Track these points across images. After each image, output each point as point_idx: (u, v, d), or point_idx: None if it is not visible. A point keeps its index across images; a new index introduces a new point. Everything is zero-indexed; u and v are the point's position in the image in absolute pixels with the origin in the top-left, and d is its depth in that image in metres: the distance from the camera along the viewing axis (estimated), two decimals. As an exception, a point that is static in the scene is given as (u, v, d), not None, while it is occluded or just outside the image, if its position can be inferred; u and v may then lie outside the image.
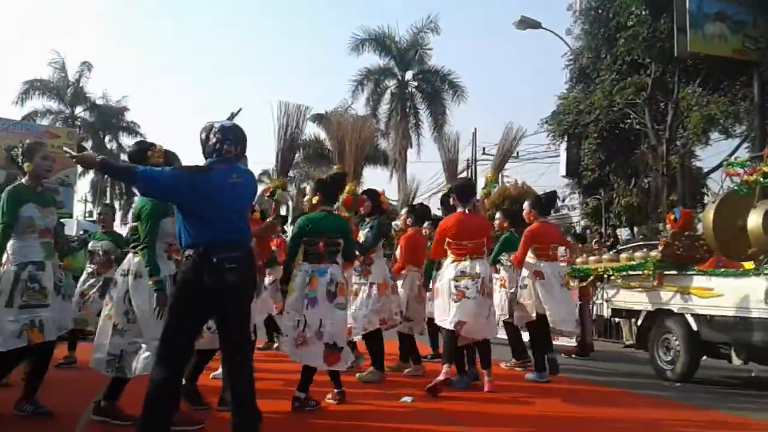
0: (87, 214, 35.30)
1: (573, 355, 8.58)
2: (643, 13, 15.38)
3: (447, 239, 5.76)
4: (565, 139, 18.94)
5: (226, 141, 3.57)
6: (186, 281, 3.46)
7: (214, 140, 3.57)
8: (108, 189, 36.02)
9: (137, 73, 65.48)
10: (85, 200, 36.72)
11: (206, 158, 3.62)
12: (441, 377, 5.52)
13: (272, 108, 5.26)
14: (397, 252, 7.04)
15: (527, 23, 17.21)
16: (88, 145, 30.97)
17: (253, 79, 71.97)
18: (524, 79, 67.52)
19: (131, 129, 34.89)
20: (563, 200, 30.89)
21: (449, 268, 5.74)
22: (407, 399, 5.25)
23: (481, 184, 8.18)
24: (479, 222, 5.94)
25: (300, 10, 69.33)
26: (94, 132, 33.49)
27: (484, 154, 28.38)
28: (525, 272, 6.78)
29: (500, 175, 6.23)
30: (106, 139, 34.45)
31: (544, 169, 43.96)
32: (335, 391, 5.05)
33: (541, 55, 67.79)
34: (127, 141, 34.51)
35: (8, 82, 73.51)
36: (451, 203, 6.01)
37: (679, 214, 7.38)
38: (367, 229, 6.17)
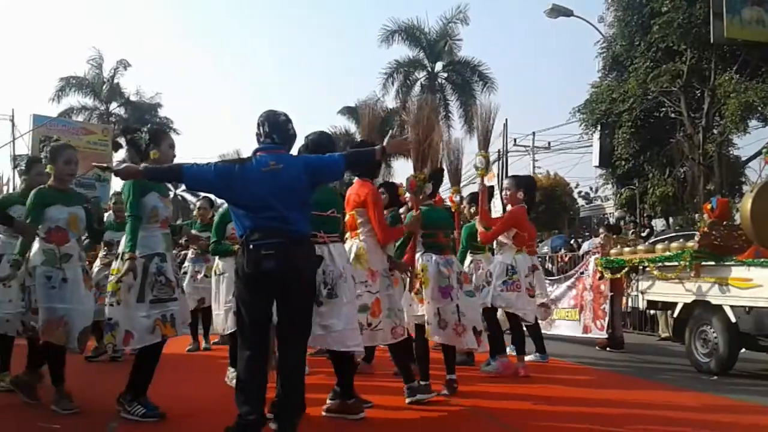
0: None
1: (607, 348, 8.47)
2: (678, -2, 15.07)
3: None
4: (598, 128, 18.66)
5: (266, 129, 3.70)
6: (237, 271, 3.62)
7: (258, 130, 3.73)
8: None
9: (172, 70, 66.25)
10: (119, 194, 37.32)
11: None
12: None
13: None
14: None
15: (559, 11, 17.01)
16: (122, 141, 31.45)
17: (284, 75, 72.33)
18: (556, 68, 66.82)
19: (164, 125, 35.36)
20: (596, 191, 30.70)
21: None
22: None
23: (512, 173, 8.01)
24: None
25: (330, 3, 69.39)
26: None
27: (515, 145, 28.22)
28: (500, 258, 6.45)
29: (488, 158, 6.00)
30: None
31: (576, 160, 43.39)
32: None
33: (572, 44, 66.90)
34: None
35: (45, 80, 74.93)
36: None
37: (716, 203, 7.22)
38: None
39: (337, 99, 75.29)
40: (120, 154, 32.27)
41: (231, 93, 72.16)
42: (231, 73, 72.08)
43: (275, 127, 3.69)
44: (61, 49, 66.76)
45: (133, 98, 34.63)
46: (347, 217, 4.67)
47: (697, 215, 16.07)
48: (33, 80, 64.78)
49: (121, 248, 4.19)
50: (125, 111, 34.53)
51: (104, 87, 33.32)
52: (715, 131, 16.39)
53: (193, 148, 63.25)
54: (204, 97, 69.12)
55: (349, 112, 31.29)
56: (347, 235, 4.71)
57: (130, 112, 34.45)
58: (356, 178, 4.81)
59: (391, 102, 29.92)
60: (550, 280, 10.15)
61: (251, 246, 3.44)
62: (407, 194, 5.39)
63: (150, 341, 4.06)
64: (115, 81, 33.78)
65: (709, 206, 7.25)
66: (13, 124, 24.80)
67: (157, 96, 35.35)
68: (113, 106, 34.23)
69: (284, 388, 3.59)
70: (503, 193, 7.00)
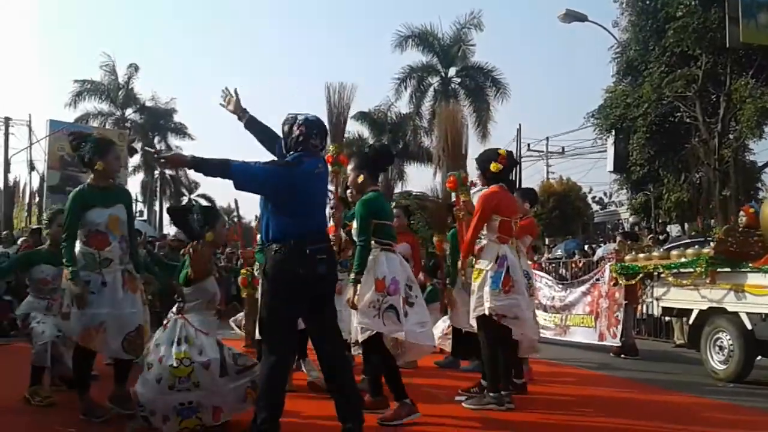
0: (138, 214, 36.25)
1: (621, 356, 8.42)
2: (693, 3, 14.99)
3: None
4: (613, 133, 18.58)
5: (311, 134, 3.63)
6: (281, 274, 3.54)
7: (297, 132, 3.62)
8: (158, 189, 36.91)
9: (185, 75, 66.74)
10: (136, 200, 37.64)
11: (288, 150, 3.67)
12: None
13: (326, 90, 5.41)
14: None
15: (573, 16, 16.95)
16: (138, 146, 31.74)
17: (298, 80, 72.58)
18: (569, 73, 66.63)
19: (179, 130, 35.65)
20: (610, 196, 30.52)
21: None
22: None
23: (525, 179, 7.79)
24: None
25: (344, 9, 69.63)
26: (144, 133, 34.29)
27: (529, 150, 28.15)
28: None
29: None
30: (156, 139, 35.24)
31: (590, 165, 43.28)
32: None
33: (586, 49, 66.68)
34: (175, 142, 35.37)
35: (62, 85, 75.72)
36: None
37: (755, 208, 7.18)
38: None
39: (352, 104, 75.20)
40: (135, 159, 32.68)
41: (244, 98, 72.41)
42: (244, 78, 72.49)
43: (322, 132, 3.71)
44: (78, 55, 67.45)
45: (148, 104, 34.90)
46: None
47: (713, 221, 15.96)
48: (50, 86, 65.52)
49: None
50: (141, 116, 34.78)
51: (120, 93, 33.59)
52: (730, 136, 16.27)
53: (206, 154, 63.54)
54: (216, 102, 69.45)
55: (363, 117, 31.36)
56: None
57: (146, 118, 34.72)
58: None
59: (404, 107, 30.01)
60: (562, 284, 10.13)
61: (307, 251, 3.49)
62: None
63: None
64: (131, 86, 34.06)
65: (751, 210, 7.20)
66: (30, 130, 25.12)
67: (171, 101, 35.64)
68: (129, 112, 34.49)
69: (344, 387, 3.61)
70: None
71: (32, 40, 64.04)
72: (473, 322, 4.99)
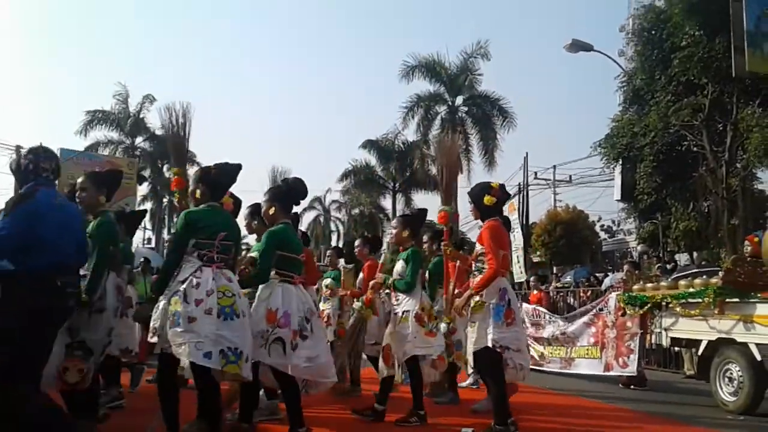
0: (146, 242, 36.35)
1: (632, 387, 8.31)
2: (698, 33, 15.08)
3: None
4: (620, 162, 18.61)
5: (39, 159, 3.80)
6: (29, 306, 3.56)
7: (26, 162, 3.79)
8: (166, 217, 37.08)
9: (194, 103, 67.35)
10: (144, 228, 37.82)
11: (23, 184, 3.78)
12: None
13: (160, 112, 5.32)
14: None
15: (579, 46, 17.08)
16: (146, 173, 31.97)
17: (305, 110, 73.18)
18: (576, 102, 66.89)
19: (189, 159, 35.87)
20: (618, 225, 30.44)
21: None
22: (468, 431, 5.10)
23: (532, 207, 7.83)
24: None
25: (351, 40, 70.44)
26: (153, 161, 34.54)
27: (536, 178, 28.20)
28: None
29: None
30: (164, 168, 35.48)
31: (598, 193, 43.19)
32: None
33: (592, 78, 67.05)
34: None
35: (73, 114, 76.59)
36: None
37: (759, 236, 7.15)
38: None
39: (359, 133, 75.85)
40: (144, 187, 32.88)
41: (251, 127, 73.10)
42: (253, 108, 73.13)
43: (50, 156, 3.91)
44: (88, 84, 68.32)
45: (158, 132, 35.19)
46: None
47: (722, 250, 15.85)
48: (61, 115, 66.30)
49: None
50: (150, 145, 35.07)
51: (129, 121, 33.93)
52: (738, 165, 16.23)
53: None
54: (225, 131, 70.08)
55: (371, 145, 31.53)
56: None
57: (155, 146, 34.98)
58: None
59: (411, 135, 30.17)
60: (565, 317, 10.05)
61: (58, 283, 3.65)
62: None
63: None
64: (141, 115, 34.43)
65: (756, 239, 7.17)
66: (41, 158, 25.23)
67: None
68: (138, 140, 34.80)
69: None
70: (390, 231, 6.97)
71: (44, 68, 65.01)
72: (471, 354, 4.94)
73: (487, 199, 4.97)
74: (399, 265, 5.59)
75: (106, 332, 4.46)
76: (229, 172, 4.45)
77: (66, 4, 67.72)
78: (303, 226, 37.59)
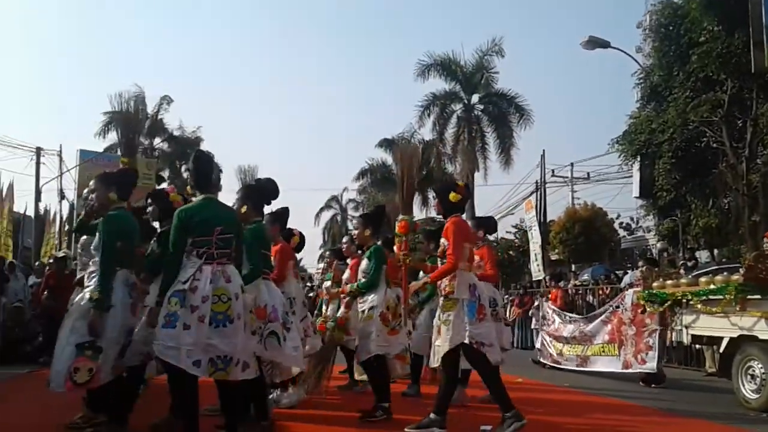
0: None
1: (652, 385, 8.28)
2: (716, 28, 14.92)
3: None
4: (638, 159, 18.46)
5: None
6: None
7: None
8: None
9: (209, 104, 67.82)
10: (163, 227, 38.07)
11: None
12: None
13: (110, 100, 5.47)
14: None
15: (595, 43, 16.96)
16: (165, 174, 32.24)
17: (323, 108, 73.38)
18: (593, 99, 66.49)
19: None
20: (637, 222, 30.20)
21: None
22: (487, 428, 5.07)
23: (549, 205, 7.83)
24: None
25: (366, 38, 70.51)
26: (171, 162, 34.82)
27: (553, 176, 28.04)
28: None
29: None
30: (182, 168, 35.79)
31: (616, 190, 42.86)
32: None
33: (609, 74, 66.60)
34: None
35: (92, 116, 77.48)
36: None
37: None
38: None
39: (376, 132, 76.00)
40: (163, 187, 33.26)
41: (269, 127, 73.41)
42: (266, 107, 73.39)
43: None
44: (107, 85, 69.01)
45: (176, 133, 35.49)
46: None
47: (742, 247, 15.69)
48: (80, 116, 67.00)
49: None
50: (168, 146, 35.36)
51: (147, 122, 34.18)
52: (758, 161, 16.05)
53: (232, 182, 64.21)
54: (242, 130, 70.44)
55: (387, 144, 31.55)
56: None
57: (174, 147, 35.27)
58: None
59: (427, 134, 30.14)
60: (585, 317, 10.03)
61: None
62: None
63: None
64: (159, 117, 34.69)
65: None
66: (61, 159, 25.61)
67: (198, 130, 36.15)
68: (157, 141, 35.09)
69: None
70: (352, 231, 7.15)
71: (63, 71, 65.77)
72: (439, 350, 4.93)
73: (453, 196, 5.08)
74: (363, 263, 5.77)
75: (119, 330, 4.33)
76: (197, 159, 4.50)
77: (81, 5, 68.44)
78: (320, 225, 37.62)
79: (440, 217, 5.71)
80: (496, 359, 4.99)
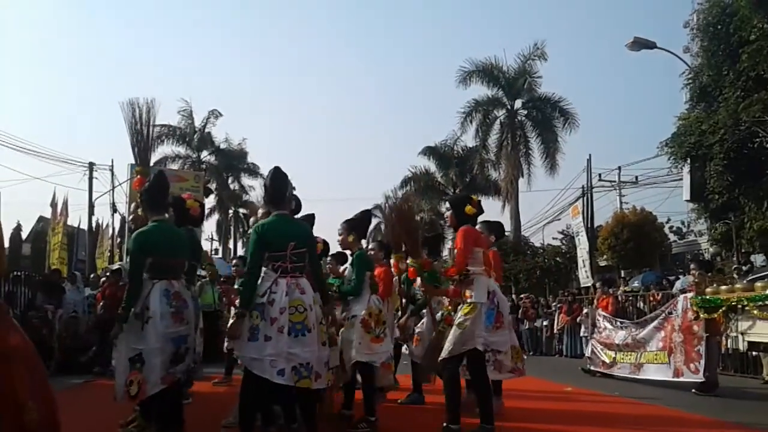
0: (213, 252, 37.35)
1: (705, 393, 8.04)
2: (767, 26, 14.53)
3: None
4: (688, 161, 18.03)
5: None
6: None
7: None
8: (232, 228, 37.99)
9: (255, 119, 68.93)
10: (212, 239, 38.93)
11: None
12: None
13: (122, 108, 5.41)
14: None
15: (641, 44, 16.66)
16: (212, 185, 32.89)
17: (363, 119, 73.81)
18: (640, 101, 65.21)
19: (252, 170, 36.75)
20: (688, 226, 29.44)
21: None
22: None
23: (597, 210, 7.74)
24: None
25: (407, 46, 70.71)
26: (218, 174, 35.53)
27: (600, 180, 27.59)
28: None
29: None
30: (229, 180, 36.47)
31: (666, 194, 41.96)
32: None
33: (655, 76, 65.27)
34: (248, 182, 36.56)
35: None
36: None
37: None
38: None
39: (418, 140, 76.08)
40: (210, 200, 33.79)
41: (311, 137, 74.19)
42: (307, 117, 74.10)
43: None
44: (158, 100, 70.66)
45: (222, 146, 36.20)
46: None
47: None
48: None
49: None
50: (215, 158, 36.09)
51: (195, 136, 35.03)
52: (815, 161, 15.52)
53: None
54: (285, 140, 71.26)
55: (430, 152, 31.56)
56: None
57: (220, 159, 35.98)
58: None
59: (470, 141, 30.05)
60: (636, 322, 9.82)
61: None
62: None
63: None
64: (206, 130, 35.50)
65: None
66: (113, 174, 26.31)
67: (243, 142, 36.81)
68: (204, 154, 35.86)
69: None
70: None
71: (112, 88, 67.75)
72: (444, 350, 4.92)
73: (468, 209, 5.12)
74: (348, 270, 5.77)
75: (161, 339, 4.34)
76: (274, 178, 4.52)
77: (130, 26, 70.49)
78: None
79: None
80: (508, 367, 4.99)
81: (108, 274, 11.69)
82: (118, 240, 24.74)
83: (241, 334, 4.18)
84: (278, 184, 4.49)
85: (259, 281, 4.24)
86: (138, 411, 4.94)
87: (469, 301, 4.83)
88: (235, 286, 7.96)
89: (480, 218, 5.43)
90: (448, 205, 5.23)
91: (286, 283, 4.20)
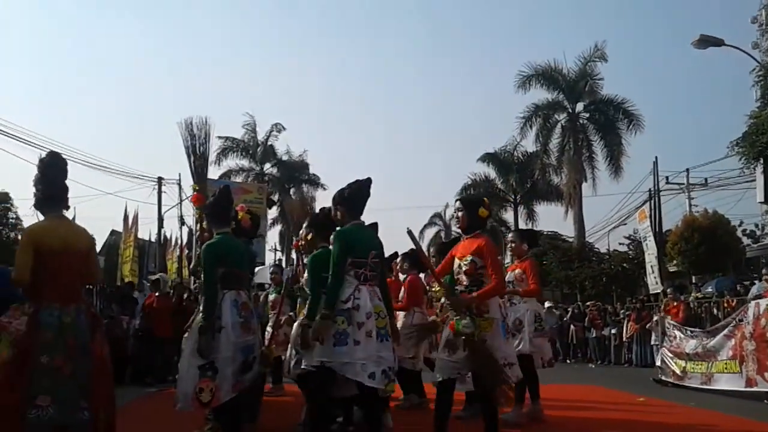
0: (277, 262, 38.04)
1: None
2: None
3: None
4: (761, 161, 17.33)
5: None
6: None
7: None
8: (294, 239, 38.58)
9: (314, 129, 69.83)
10: (275, 249, 39.61)
11: None
12: None
13: (180, 127, 5.47)
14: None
15: (708, 41, 16.14)
16: (275, 197, 33.51)
17: (421, 126, 73.80)
18: (707, 100, 62.90)
19: (313, 181, 37.27)
20: (763, 229, 28.17)
21: None
22: None
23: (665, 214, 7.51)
24: None
25: (464, 51, 70.39)
26: (281, 186, 36.20)
27: (668, 183, 26.77)
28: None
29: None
30: (291, 191, 37.09)
31: (738, 196, 40.35)
32: None
33: (722, 74, 62.81)
34: (310, 192, 37.09)
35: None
36: None
37: None
38: None
39: (477, 146, 75.46)
40: (273, 211, 34.45)
41: (370, 147, 74.61)
42: (362, 125, 74.49)
43: None
44: (222, 116, 72.58)
45: (284, 158, 36.88)
46: None
47: None
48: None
49: None
50: (278, 170, 36.78)
51: (258, 149, 35.84)
52: None
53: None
54: (344, 151, 71.86)
55: (490, 158, 31.32)
56: None
57: (282, 171, 36.65)
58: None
59: (530, 146, 29.65)
60: (706, 331, 9.48)
61: None
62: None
63: None
64: (269, 143, 36.27)
65: None
66: (180, 188, 27.09)
67: (304, 154, 37.39)
68: (267, 167, 36.62)
69: None
70: (509, 245, 6.80)
71: (179, 106, 69.88)
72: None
73: (482, 211, 4.86)
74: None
75: (232, 349, 4.45)
76: (361, 188, 4.60)
77: (188, 42, 72.61)
78: (425, 242, 37.62)
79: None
80: (518, 375, 4.88)
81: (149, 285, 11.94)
82: (186, 251, 25.51)
83: (325, 339, 4.21)
84: (361, 193, 4.58)
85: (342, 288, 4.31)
86: (211, 417, 5.06)
87: (486, 316, 4.58)
88: (271, 296, 8.16)
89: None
90: (459, 204, 4.93)
91: (367, 289, 4.30)
